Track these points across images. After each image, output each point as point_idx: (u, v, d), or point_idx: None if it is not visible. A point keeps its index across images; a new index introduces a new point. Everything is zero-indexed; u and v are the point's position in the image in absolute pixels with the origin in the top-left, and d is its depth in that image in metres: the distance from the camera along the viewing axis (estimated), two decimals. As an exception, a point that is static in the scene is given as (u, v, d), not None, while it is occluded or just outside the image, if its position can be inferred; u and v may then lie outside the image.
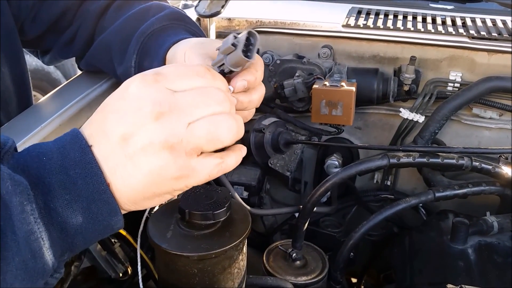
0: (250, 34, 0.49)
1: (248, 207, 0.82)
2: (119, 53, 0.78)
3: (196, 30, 0.78)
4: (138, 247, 0.65)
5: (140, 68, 0.74)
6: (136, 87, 0.45)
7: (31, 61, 2.38)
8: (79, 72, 0.94)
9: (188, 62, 0.61)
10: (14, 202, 0.39)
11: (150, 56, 0.73)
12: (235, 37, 0.49)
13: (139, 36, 0.74)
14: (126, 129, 0.43)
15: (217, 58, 0.52)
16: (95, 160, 0.43)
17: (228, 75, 0.52)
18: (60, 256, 0.43)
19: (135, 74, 0.72)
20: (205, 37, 0.79)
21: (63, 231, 0.42)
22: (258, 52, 0.56)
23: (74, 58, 0.91)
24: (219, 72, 0.51)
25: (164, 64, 0.69)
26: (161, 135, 0.43)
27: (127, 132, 0.43)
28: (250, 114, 0.57)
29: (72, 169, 0.43)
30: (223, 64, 0.51)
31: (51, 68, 2.79)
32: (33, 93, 2.60)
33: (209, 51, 0.61)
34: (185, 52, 0.64)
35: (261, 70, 0.55)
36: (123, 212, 0.46)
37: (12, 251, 0.38)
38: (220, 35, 1.22)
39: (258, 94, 0.55)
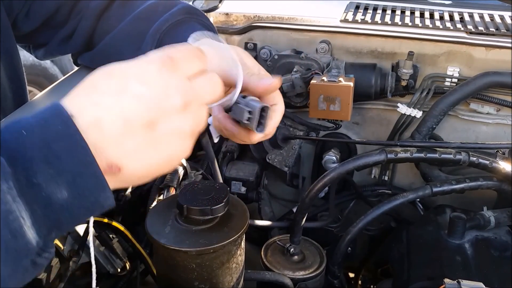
0: (263, 108, 0.58)
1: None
2: (131, 53, 0.77)
3: (207, 22, 0.79)
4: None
5: None
6: (160, 74, 0.46)
7: (28, 56, 2.37)
8: (75, 68, 0.94)
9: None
10: None
11: None
12: (250, 112, 0.58)
13: (154, 33, 0.74)
14: (153, 117, 0.45)
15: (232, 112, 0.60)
16: (79, 132, 0.42)
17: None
18: (46, 235, 0.42)
19: None
20: (215, 29, 0.80)
21: (48, 207, 0.41)
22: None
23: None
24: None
25: None
26: (187, 124, 0.47)
27: (153, 119, 0.45)
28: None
29: (54, 142, 0.41)
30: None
31: (48, 64, 2.78)
32: (30, 88, 2.61)
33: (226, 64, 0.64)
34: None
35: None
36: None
37: None
38: (218, 30, 1.21)
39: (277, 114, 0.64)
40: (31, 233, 0.40)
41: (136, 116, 0.44)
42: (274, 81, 0.62)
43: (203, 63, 0.50)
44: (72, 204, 0.42)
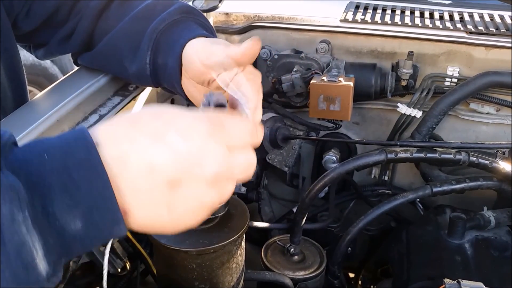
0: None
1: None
2: (130, 53, 0.77)
3: (205, 22, 0.79)
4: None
5: (155, 65, 0.75)
6: (202, 134, 0.43)
7: (28, 56, 2.37)
8: (76, 68, 0.93)
9: (200, 70, 0.65)
10: (3, 211, 0.36)
11: (165, 52, 0.73)
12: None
13: (151, 33, 0.74)
14: (179, 176, 0.42)
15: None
16: (102, 163, 0.40)
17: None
18: (56, 261, 0.41)
19: (150, 71, 0.74)
20: (213, 28, 0.80)
21: (60, 237, 0.40)
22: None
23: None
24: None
25: (180, 61, 0.69)
26: (210, 197, 0.44)
27: (178, 179, 0.42)
28: None
29: (75, 170, 0.39)
30: None
31: (48, 63, 2.78)
32: (30, 88, 2.61)
33: (218, 58, 0.62)
34: (192, 56, 0.66)
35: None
36: None
37: (2, 264, 0.35)
38: (217, 30, 1.22)
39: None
40: (42, 265, 0.39)
41: (163, 168, 0.41)
42: (253, 41, 0.57)
43: (252, 141, 0.48)
44: (84, 235, 0.40)
